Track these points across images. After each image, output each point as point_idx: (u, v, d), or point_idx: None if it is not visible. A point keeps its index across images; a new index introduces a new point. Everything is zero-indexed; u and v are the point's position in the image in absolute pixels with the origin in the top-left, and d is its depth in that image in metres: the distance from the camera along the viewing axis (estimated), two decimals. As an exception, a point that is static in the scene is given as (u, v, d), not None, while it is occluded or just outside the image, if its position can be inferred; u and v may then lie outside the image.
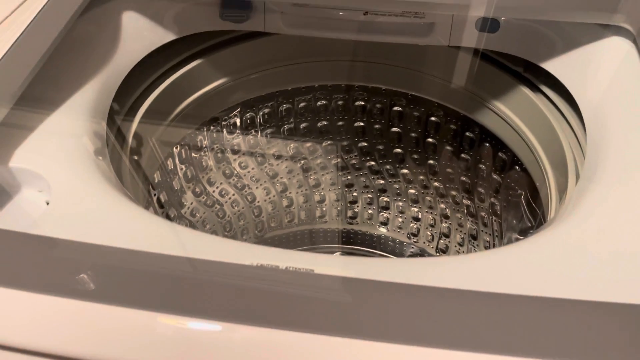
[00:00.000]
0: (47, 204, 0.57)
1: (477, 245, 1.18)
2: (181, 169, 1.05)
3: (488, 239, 1.14)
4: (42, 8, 0.65)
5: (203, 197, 1.15)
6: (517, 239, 0.94)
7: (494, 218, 1.09)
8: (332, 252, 1.44)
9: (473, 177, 1.11)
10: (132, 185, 0.80)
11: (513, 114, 0.89)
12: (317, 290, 0.46)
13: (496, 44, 0.79)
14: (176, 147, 0.99)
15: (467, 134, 1.06)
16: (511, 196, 1.02)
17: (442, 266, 0.52)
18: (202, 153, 1.08)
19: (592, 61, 0.72)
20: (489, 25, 0.77)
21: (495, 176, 1.05)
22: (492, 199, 1.08)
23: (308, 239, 1.43)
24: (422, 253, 1.35)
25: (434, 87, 1.01)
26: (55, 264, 0.48)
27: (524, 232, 0.99)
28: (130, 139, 0.82)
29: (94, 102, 0.69)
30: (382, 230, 1.37)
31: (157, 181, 0.97)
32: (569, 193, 0.67)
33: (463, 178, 1.13)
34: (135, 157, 0.84)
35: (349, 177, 1.30)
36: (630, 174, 0.55)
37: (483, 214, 1.13)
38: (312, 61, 1.01)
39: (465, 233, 1.20)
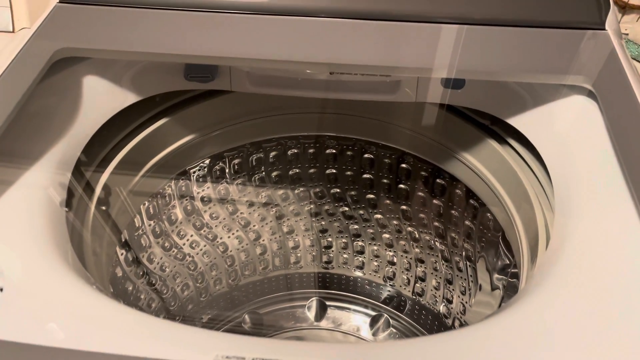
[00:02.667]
0: (1, 289, 0.54)
1: (454, 289, 1.17)
2: (149, 224, 1.02)
3: (463, 284, 1.13)
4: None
5: (173, 251, 1.12)
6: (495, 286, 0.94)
7: (467, 263, 1.09)
8: (309, 297, 1.41)
9: (446, 222, 1.11)
10: (100, 244, 0.78)
11: (481, 164, 0.90)
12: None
13: (462, 100, 0.79)
14: (144, 204, 0.96)
15: (438, 180, 1.07)
16: (484, 243, 1.02)
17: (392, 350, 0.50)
18: (171, 207, 1.05)
19: (556, 117, 0.73)
20: (454, 82, 0.78)
21: (467, 222, 1.05)
22: (465, 244, 1.08)
23: (284, 285, 1.40)
24: (399, 295, 1.33)
25: (403, 137, 1.02)
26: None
27: (500, 276, 0.99)
28: (94, 200, 0.79)
29: (53, 171, 0.66)
30: (358, 273, 1.36)
31: (124, 240, 0.94)
32: (541, 246, 0.67)
33: (436, 223, 1.13)
34: (105, 214, 0.82)
35: (323, 223, 1.28)
36: (598, 240, 0.55)
37: (457, 258, 1.13)
38: (280, 114, 1.00)
39: (440, 277, 1.20)
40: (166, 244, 1.08)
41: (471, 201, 1.01)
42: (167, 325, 0.49)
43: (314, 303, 1.41)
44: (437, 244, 1.16)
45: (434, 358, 0.45)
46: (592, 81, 0.67)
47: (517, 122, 0.77)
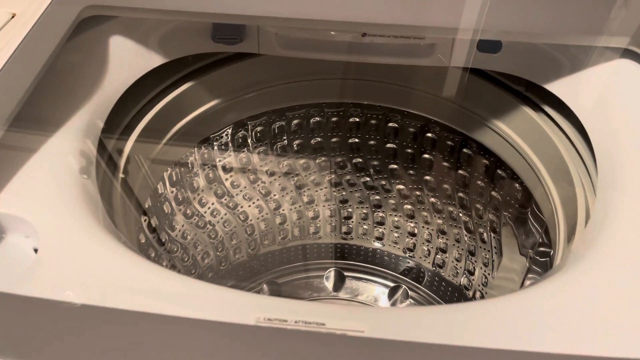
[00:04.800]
0: (35, 251, 0.53)
1: (476, 261, 1.16)
2: (172, 191, 1.01)
3: (487, 256, 1.12)
4: (25, 37, 0.61)
5: (194, 219, 1.11)
6: (530, 258, 0.92)
7: (492, 235, 1.07)
8: (327, 268, 1.41)
9: (471, 193, 1.09)
10: (123, 211, 0.77)
11: (514, 132, 0.88)
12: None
13: (498, 65, 0.77)
14: (167, 171, 0.95)
15: (465, 150, 1.04)
16: (511, 215, 1.00)
17: (439, 317, 0.48)
18: (194, 174, 1.04)
19: (598, 83, 0.70)
20: (490, 46, 0.75)
21: (494, 193, 1.03)
22: (491, 215, 1.06)
23: (302, 255, 1.40)
24: (418, 266, 1.33)
25: (430, 104, 0.99)
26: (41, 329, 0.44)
27: (526, 250, 0.98)
28: (121, 164, 0.78)
29: (83, 133, 0.65)
30: (378, 244, 1.35)
31: (147, 206, 0.93)
32: (580, 220, 0.65)
33: (460, 194, 1.11)
34: (127, 182, 0.81)
35: (344, 193, 1.27)
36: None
37: (481, 230, 1.11)
38: (304, 80, 0.98)
39: (462, 249, 1.19)
40: (188, 212, 1.08)
41: (499, 171, 0.99)
42: (205, 286, 0.48)
43: (332, 273, 1.41)
44: (461, 215, 1.14)
45: (491, 323, 0.44)
46: (640, 44, 0.64)
47: (556, 87, 0.74)
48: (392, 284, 1.38)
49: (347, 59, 0.80)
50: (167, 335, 0.43)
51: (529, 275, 0.98)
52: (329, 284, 1.41)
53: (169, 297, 0.47)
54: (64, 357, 0.40)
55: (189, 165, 1.02)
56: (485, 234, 1.10)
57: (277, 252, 1.35)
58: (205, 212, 1.13)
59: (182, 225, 1.08)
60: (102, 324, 0.43)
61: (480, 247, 1.13)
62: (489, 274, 1.12)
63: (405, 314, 0.48)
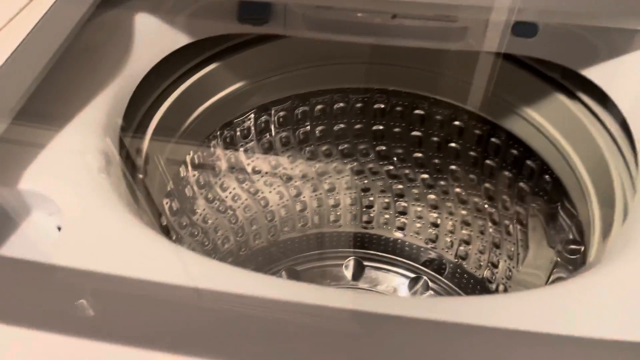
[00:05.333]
0: (59, 228, 0.52)
1: (500, 254, 1.13)
2: (194, 175, 1.00)
3: (512, 249, 1.09)
4: (45, 13, 0.60)
5: (215, 203, 1.10)
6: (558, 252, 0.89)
7: (519, 227, 1.05)
8: (346, 257, 1.39)
9: (498, 184, 1.06)
10: (144, 193, 0.76)
11: (546, 121, 0.84)
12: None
13: (534, 50, 0.73)
14: (189, 154, 0.95)
15: (493, 139, 1.01)
16: (540, 206, 0.97)
17: (484, 305, 0.47)
18: (216, 158, 1.03)
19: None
20: (526, 29, 0.72)
21: (522, 184, 1.00)
22: (518, 208, 1.03)
23: (322, 243, 1.38)
24: (440, 258, 1.30)
25: (459, 91, 0.96)
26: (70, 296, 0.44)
27: (554, 244, 0.95)
28: (144, 146, 0.77)
29: (105, 113, 0.64)
30: (399, 234, 1.33)
31: (169, 189, 0.93)
32: (617, 216, 0.62)
33: (487, 185, 1.08)
34: (148, 165, 0.80)
35: (366, 182, 1.25)
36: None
37: (507, 222, 1.08)
38: (329, 64, 0.96)
39: (487, 241, 1.16)
40: (209, 196, 1.07)
41: (528, 162, 0.96)
42: (237, 271, 0.47)
43: (351, 262, 1.40)
44: (487, 206, 1.11)
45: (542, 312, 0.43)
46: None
47: (595, 75, 0.70)
48: (412, 275, 1.36)
49: (376, 41, 0.77)
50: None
51: (555, 270, 0.95)
52: (348, 273, 1.39)
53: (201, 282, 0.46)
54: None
55: (211, 149, 1.02)
56: (511, 227, 1.08)
57: (297, 239, 1.34)
58: (226, 197, 1.12)
59: (204, 209, 1.08)
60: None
61: (506, 239, 1.10)
62: (513, 267, 1.10)
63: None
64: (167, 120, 0.80)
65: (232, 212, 1.16)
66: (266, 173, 1.16)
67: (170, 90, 0.80)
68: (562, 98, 0.80)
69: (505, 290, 1.14)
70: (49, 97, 0.60)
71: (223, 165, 1.07)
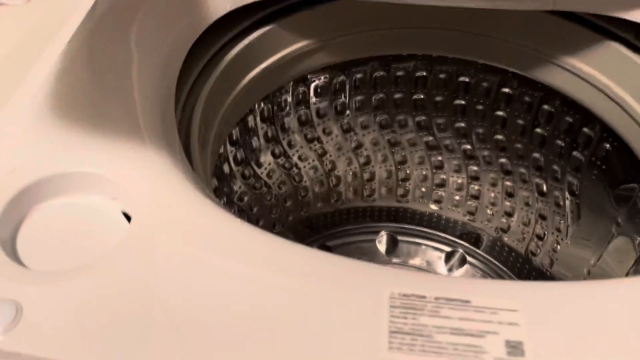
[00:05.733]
0: (124, 215, 0.48)
1: (547, 226, 1.09)
2: (262, 127, 0.97)
3: (561, 220, 1.05)
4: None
5: (281, 160, 1.07)
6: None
7: (572, 198, 1.00)
8: (379, 231, 1.36)
9: (548, 154, 1.01)
10: (205, 145, 0.71)
11: (614, 83, 0.79)
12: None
13: (615, 9, 0.67)
14: (258, 105, 0.91)
15: (545, 106, 0.96)
16: (596, 176, 0.93)
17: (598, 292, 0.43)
18: (285, 113, 1.00)
19: None
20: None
21: (576, 153, 0.95)
22: (571, 178, 0.99)
23: (354, 218, 1.34)
24: (477, 231, 1.27)
25: (511, 53, 0.90)
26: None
27: (612, 215, 0.91)
28: (204, 96, 0.71)
29: (162, 67, 0.59)
30: (435, 207, 1.29)
31: (235, 138, 0.90)
32: None
33: (535, 154, 1.04)
34: (211, 117, 0.75)
35: (403, 154, 1.20)
36: None
37: (557, 193, 1.04)
38: (377, 29, 0.90)
39: (532, 213, 1.12)
40: (276, 151, 1.06)
41: (585, 130, 0.91)
42: (324, 256, 0.42)
43: (384, 237, 1.36)
44: (534, 177, 1.07)
45: None
46: None
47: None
48: (448, 249, 1.33)
49: (450, 3, 0.71)
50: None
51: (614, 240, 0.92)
52: (382, 248, 1.36)
53: (287, 270, 0.42)
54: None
55: (282, 104, 0.99)
56: (560, 198, 1.03)
57: (329, 214, 1.30)
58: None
59: (269, 164, 1.06)
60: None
61: (554, 211, 1.06)
62: (562, 240, 1.06)
63: (563, 288, 0.42)
64: (232, 69, 0.76)
65: (298, 171, 1.14)
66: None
67: (237, 39, 0.76)
68: (635, 58, 0.74)
69: (552, 263, 1.10)
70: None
71: (292, 122, 1.04)
